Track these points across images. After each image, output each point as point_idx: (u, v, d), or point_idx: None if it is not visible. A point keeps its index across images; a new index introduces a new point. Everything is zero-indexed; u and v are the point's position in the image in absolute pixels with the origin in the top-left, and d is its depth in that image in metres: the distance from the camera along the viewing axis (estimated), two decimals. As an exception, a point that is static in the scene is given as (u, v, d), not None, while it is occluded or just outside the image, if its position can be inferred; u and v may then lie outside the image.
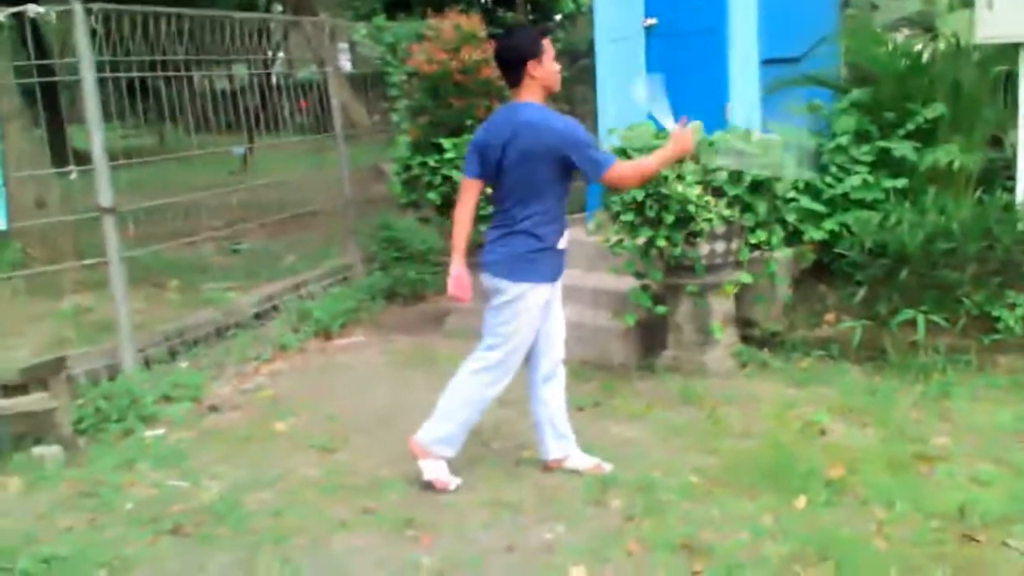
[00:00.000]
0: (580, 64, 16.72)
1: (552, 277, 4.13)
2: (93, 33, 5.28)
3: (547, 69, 3.99)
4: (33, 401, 4.86)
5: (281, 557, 3.69)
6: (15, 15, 5.44)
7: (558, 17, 18.27)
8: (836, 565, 3.42)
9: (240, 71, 9.91)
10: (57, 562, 3.72)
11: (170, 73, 6.45)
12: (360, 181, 8.52)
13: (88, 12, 5.28)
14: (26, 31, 6.43)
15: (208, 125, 7.61)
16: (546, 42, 4.01)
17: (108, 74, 5.58)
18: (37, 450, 4.79)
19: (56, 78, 10.73)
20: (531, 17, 16.07)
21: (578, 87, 18.10)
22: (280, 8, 23.84)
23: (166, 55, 6.13)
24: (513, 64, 3.99)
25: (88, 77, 5.29)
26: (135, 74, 5.88)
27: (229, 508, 4.14)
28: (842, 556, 3.46)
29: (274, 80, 9.19)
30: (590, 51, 15.31)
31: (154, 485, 4.49)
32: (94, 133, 5.37)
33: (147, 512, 4.17)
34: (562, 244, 4.10)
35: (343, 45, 8.91)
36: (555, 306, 4.24)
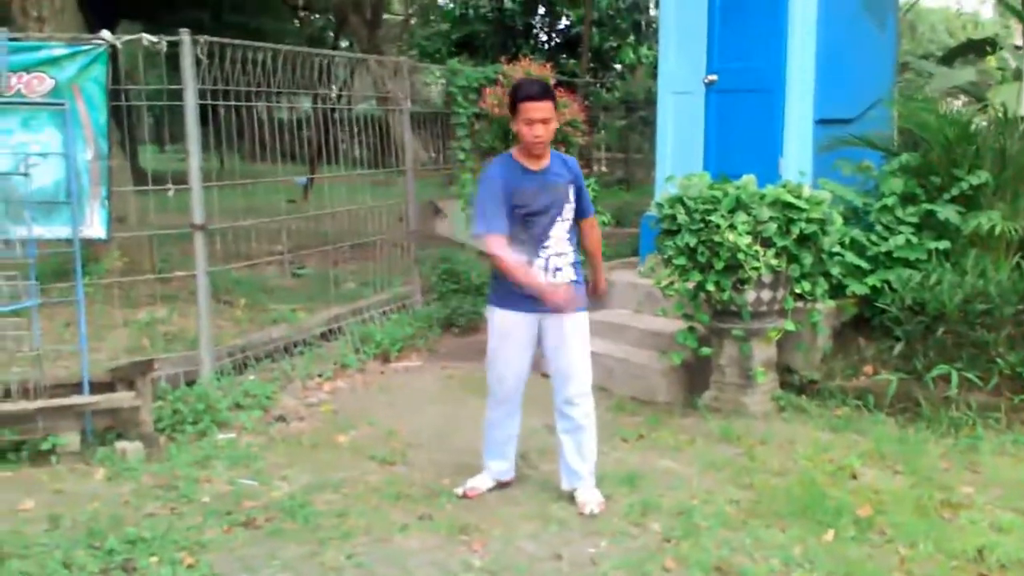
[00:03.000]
0: (636, 114, 17.16)
1: (514, 306, 4.41)
2: (197, 62, 5.75)
3: (517, 128, 4.37)
4: (120, 398, 5.27)
5: (347, 552, 4.03)
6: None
7: (618, 67, 18.74)
8: (859, 593, 3.68)
9: (304, 104, 10.38)
10: (141, 543, 4.08)
11: (253, 103, 6.86)
12: (417, 215, 8.92)
13: (195, 43, 5.76)
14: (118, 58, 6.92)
15: (270, 154, 7.97)
16: (523, 105, 4.28)
17: (209, 101, 6.03)
18: (120, 444, 5.19)
19: (136, 103, 11.27)
20: (591, 65, 16.55)
21: (632, 136, 18.52)
22: (346, 45, 24.64)
23: (238, 86, 6.46)
24: None
25: (190, 103, 5.75)
26: (232, 103, 6.29)
27: (298, 506, 4.49)
28: (865, 586, 3.73)
29: (336, 114, 9.61)
30: (647, 102, 15.78)
31: (228, 482, 4.86)
32: (192, 156, 5.82)
33: (222, 505, 4.54)
34: None
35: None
36: (567, 343, 4.45)
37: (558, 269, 4.41)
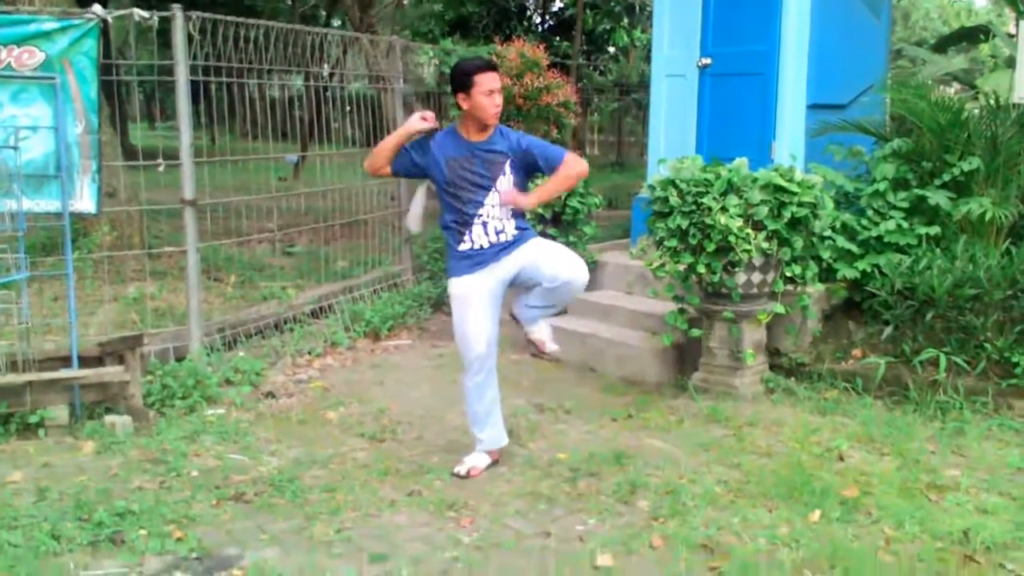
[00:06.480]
0: (630, 97, 17.15)
1: (464, 271, 4.57)
2: (189, 38, 5.72)
3: (474, 102, 4.41)
4: (110, 373, 5.26)
5: (336, 526, 4.05)
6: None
7: (612, 49, 18.71)
8: (844, 573, 3.70)
9: (297, 82, 10.34)
10: (130, 516, 4.09)
11: (245, 80, 6.83)
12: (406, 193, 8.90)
13: (187, 19, 5.72)
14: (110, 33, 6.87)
15: (262, 132, 7.96)
16: (479, 77, 4.39)
17: (200, 78, 6.00)
18: (109, 418, 5.19)
19: (127, 78, 11.18)
20: (585, 47, 16.52)
21: (625, 118, 18.50)
22: (338, 24, 24.50)
23: (230, 63, 6.43)
24: (452, 92, 4.54)
25: (182, 79, 5.72)
26: (224, 80, 6.26)
27: (286, 481, 4.50)
28: (850, 566, 3.73)
29: (328, 93, 9.57)
30: (640, 85, 15.78)
31: (217, 457, 4.87)
32: (183, 131, 5.79)
33: (211, 479, 4.55)
34: (463, 247, 4.54)
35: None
36: (538, 256, 4.52)
37: (499, 231, 4.52)
